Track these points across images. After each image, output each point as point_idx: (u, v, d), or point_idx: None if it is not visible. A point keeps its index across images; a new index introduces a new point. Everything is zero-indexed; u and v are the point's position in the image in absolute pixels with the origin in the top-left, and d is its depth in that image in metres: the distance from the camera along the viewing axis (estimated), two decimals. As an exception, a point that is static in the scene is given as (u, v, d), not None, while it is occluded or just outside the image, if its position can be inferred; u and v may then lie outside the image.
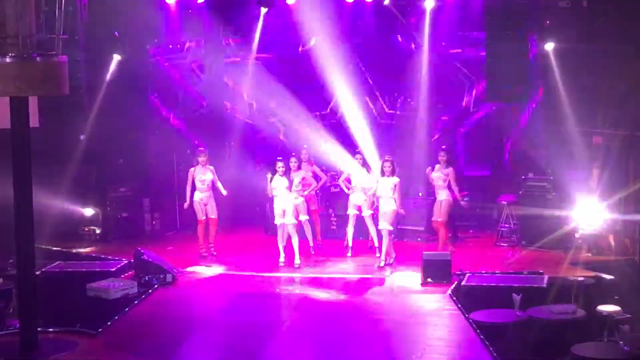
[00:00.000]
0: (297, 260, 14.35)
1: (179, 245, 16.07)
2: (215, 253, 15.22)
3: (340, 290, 13.19)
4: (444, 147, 15.11)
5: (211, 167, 15.18)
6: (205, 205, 15.05)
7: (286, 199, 14.41)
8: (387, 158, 14.27)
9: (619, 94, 14.29)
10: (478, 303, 11.55)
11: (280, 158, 14.62)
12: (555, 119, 15.79)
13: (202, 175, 14.98)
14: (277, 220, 14.48)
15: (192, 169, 15.09)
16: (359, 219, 14.89)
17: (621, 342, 9.43)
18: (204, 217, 15.08)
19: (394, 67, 17.86)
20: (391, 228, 14.21)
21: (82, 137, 16.36)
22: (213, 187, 15.12)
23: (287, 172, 14.53)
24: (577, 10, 15.05)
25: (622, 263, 13.42)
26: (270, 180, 14.49)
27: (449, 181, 14.54)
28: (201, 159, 15.05)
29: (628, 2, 14.58)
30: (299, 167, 15.10)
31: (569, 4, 15.11)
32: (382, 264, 14.15)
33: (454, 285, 12.87)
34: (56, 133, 15.41)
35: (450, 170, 14.60)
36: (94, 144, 16.32)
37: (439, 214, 14.57)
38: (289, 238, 14.43)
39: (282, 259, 14.47)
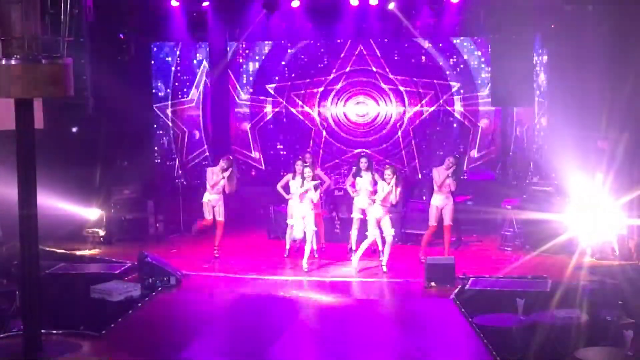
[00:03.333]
0: (305, 265, 14.36)
1: (183, 248, 16.07)
2: (217, 256, 15.20)
3: (344, 294, 13.19)
4: (457, 155, 15.01)
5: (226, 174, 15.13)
6: (214, 207, 15.04)
7: (307, 203, 14.32)
8: (387, 165, 14.24)
9: (624, 98, 14.27)
10: (481, 307, 11.55)
11: (307, 164, 14.58)
12: (560, 123, 15.78)
13: (215, 177, 14.97)
14: (298, 225, 14.35)
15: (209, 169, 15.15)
16: (363, 223, 14.86)
17: (625, 348, 9.42)
18: (211, 217, 15.06)
19: (400, 69, 17.93)
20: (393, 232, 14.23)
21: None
22: (224, 191, 15.10)
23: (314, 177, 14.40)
24: (582, 14, 15.03)
25: (626, 268, 13.39)
26: (290, 181, 14.53)
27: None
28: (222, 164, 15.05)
29: (633, 6, 14.57)
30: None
31: (574, 7, 15.10)
32: (384, 269, 14.14)
33: (457, 289, 12.86)
34: (60, 135, 15.43)
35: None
36: (99, 145, 16.32)
37: (450, 219, 14.51)
38: (302, 241, 14.39)
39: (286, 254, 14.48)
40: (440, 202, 14.47)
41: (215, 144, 18.39)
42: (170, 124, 18.26)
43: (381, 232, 14.18)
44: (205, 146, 18.45)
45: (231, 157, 15.27)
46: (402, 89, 17.98)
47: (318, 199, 14.47)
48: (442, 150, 17.54)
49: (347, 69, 18.13)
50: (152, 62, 17.95)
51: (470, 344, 10.67)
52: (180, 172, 18.13)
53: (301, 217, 14.29)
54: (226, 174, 14.92)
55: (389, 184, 13.86)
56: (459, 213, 15.08)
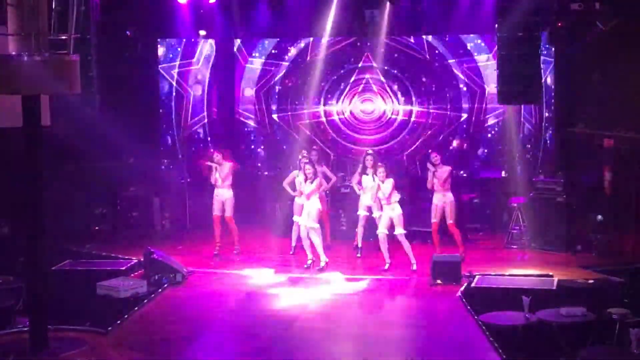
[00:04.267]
0: (309, 260, 14.42)
1: (189, 245, 16.09)
2: (237, 252, 15.26)
3: (350, 291, 13.19)
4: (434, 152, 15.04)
5: (229, 164, 15.17)
6: (222, 202, 15.08)
7: (313, 200, 14.36)
8: (380, 164, 14.33)
9: (631, 96, 14.26)
10: (487, 305, 11.53)
11: (308, 160, 14.62)
12: (567, 121, 15.77)
13: (219, 172, 15.03)
14: (302, 221, 14.41)
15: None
16: (369, 220, 14.87)
17: (631, 346, 9.41)
18: (218, 214, 15.10)
19: (406, 67, 17.92)
20: (405, 232, 14.22)
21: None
22: (233, 185, 15.14)
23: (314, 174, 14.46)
24: (589, 12, 15.01)
25: (633, 266, 13.38)
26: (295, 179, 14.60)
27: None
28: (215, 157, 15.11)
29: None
30: None
31: (581, 6, 15.07)
32: (386, 266, 14.17)
33: (463, 287, 12.86)
34: (67, 132, 15.45)
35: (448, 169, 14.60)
36: (105, 142, 16.35)
37: (450, 217, 14.47)
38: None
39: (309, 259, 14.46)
40: (437, 200, 14.45)
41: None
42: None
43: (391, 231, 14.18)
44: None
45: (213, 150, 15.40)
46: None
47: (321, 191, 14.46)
48: (447, 148, 17.53)
49: (353, 66, 18.11)
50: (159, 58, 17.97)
51: (476, 341, 10.66)
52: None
53: (306, 212, 14.32)
54: (216, 165, 14.99)
55: (383, 182, 13.95)
56: (465, 211, 15.06)
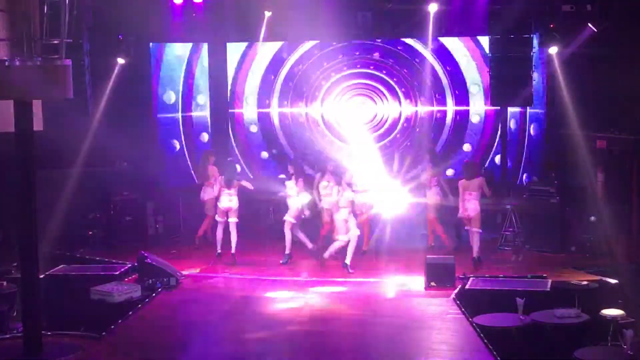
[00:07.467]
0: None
1: (182, 249, 16.06)
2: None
3: (343, 294, 13.19)
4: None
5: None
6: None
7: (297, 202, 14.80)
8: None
9: (623, 98, 14.28)
10: (481, 307, 11.55)
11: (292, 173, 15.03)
12: (559, 123, 15.79)
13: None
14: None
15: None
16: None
17: (625, 347, 9.42)
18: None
19: (397, 68, 17.94)
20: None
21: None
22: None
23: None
24: (581, 14, 15.05)
25: (626, 267, 13.39)
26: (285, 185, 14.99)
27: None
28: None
29: (632, 6, 14.59)
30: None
31: (573, 7, 15.13)
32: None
33: (457, 289, 12.87)
34: (60, 137, 15.41)
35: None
36: (98, 147, 16.33)
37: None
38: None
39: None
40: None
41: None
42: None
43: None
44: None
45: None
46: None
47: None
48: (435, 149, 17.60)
49: (346, 69, 18.14)
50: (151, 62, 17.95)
51: (470, 343, 10.67)
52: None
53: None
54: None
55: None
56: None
